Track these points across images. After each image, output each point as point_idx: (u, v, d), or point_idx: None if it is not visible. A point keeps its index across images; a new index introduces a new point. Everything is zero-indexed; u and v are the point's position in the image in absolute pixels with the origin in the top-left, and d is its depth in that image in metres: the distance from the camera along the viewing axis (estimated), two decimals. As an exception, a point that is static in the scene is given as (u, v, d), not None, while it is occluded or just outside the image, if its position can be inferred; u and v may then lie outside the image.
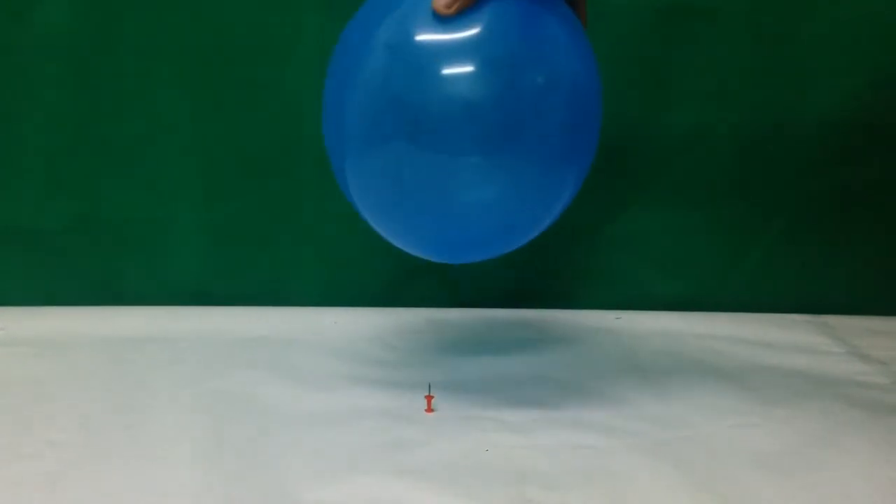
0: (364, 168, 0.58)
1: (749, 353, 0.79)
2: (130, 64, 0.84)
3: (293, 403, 0.68)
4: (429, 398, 0.67)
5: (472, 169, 0.56)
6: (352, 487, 0.56)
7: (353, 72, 0.57)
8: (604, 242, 0.89)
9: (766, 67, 0.83)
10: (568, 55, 0.58)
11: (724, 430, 0.64)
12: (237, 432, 0.63)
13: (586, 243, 0.89)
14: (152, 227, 0.88)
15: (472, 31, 0.55)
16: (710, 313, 0.88)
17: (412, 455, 0.60)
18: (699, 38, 0.82)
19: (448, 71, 0.54)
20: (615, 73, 0.83)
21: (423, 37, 0.55)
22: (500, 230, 0.60)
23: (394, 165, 0.56)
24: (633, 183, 0.88)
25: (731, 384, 0.72)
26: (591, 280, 0.90)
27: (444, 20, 0.54)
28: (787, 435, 0.63)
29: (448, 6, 0.54)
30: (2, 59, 0.83)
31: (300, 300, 0.90)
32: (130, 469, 0.58)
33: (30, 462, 0.59)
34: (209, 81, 0.84)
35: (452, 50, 0.55)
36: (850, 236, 0.88)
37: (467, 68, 0.54)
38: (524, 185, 0.57)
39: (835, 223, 0.88)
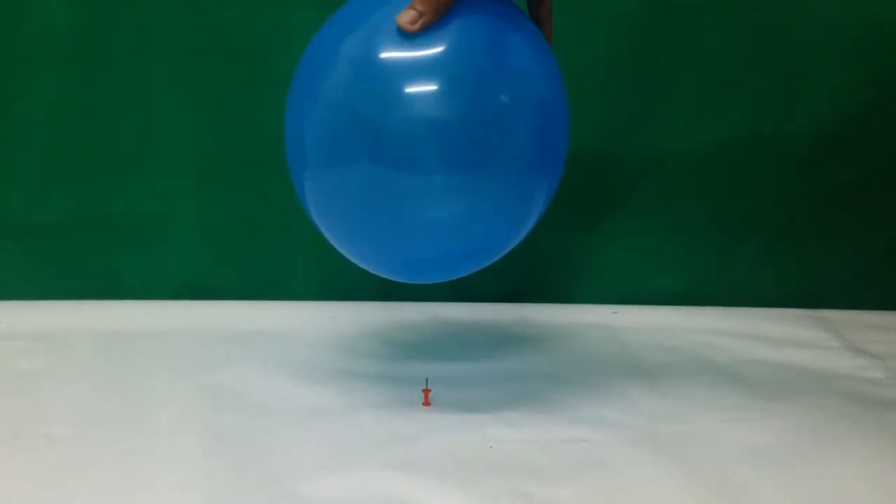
0: (325, 186, 0.57)
1: (745, 347, 0.79)
2: (129, 59, 0.83)
3: (291, 397, 0.68)
4: (426, 392, 0.67)
5: (437, 188, 0.55)
6: (349, 481, 0.56)
7: (315, 87, 0.56)
8: (600, 238, 0.89)
9: (761, 64, 0.83)
10: (533, 72, 0.57)
11: (720, 424, 0.64)
12: (235, 426, 0.63)
13: (583, 239, 0.89)
14: (151, 221, 0.88)
15: (437, 49, 0.54)
16: (707, 308, 0.88)
17: (410, 449, 0.60)
18: (693, 34, 0.82)
19: (412, 89, 0.53)
20: (611, 69, 0.84)
21: (387, 53, 0.54)
22: (466, 249, 0.59)
23: (356, 184, 0.55)
24: (629, 178, 0.88)
25: (727, 378, 0.73)
26: (587, 275, 0.91)
27: (408, 37, 0.54)
28: (782, 429, 0.64)
29: (412, 22, 0.53)
30: (1, 53, 0.83)
31: (298, 295, 0.90)
32: (129, 462, 0.58)
33: (28, 456, 0.59)
34: (207, 76, 0.84)
35: (417, 67, 0.54)
36: (847, 231, 0.88)
37: (432, 86, 0.53)
38: (491, 203, 0.56)
39: (832, 218, 0.88)
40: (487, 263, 0.62)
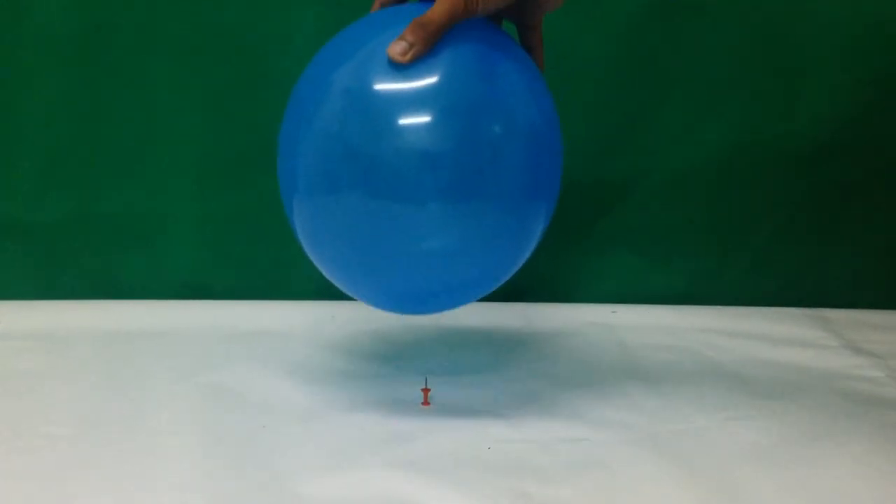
0: (317, 216, 0.57)
1: (745, 346, 0.79)
2: (129, 59, 0.83)
3: (291, 397, 0.68)
4: (426, 391, 0.67)
5: (431, 218, 0.55)
6: (349, 480, 0.56)
7: (308, 117, 0.56)
8: (600, 237, 0.89)
9: (761, 64, 0.83)
10: (525, 100, 0.57)
11: (720, 423, 0.64)
12: (235, 425, 0.63)
13: (582, 238, 0.89)
14: (150, 221, 0.88)
15: (429, 80, 0.54)
16: (706, 307, 0.88)
17: (409, 448, 0.60)
18: (693, 34, 0.83)
19: (405, 120, 0.53)
20: (610, 69, 0.84)
21: (379, 85, 0.54)
22: (464, 279, 0.59)
23: (349, 214, 0.55)
24: (628, 177, 0.88)
25: (726, 378, 0.73)
26: (587, 274, 0.91)
27: (400, 67, 0.54)
28: (781, 428, 0.64)
29: (403, 53, 0.53)
30: (0, 53, 0.83)
31: (298, 294, 0.90)
32: (128, 463, 0.58)
33: (28, 455, 0.59)
34: (207, 76, 0.84)
35: (409, 98, 0.54)
36: (846, 230, 0.88)
37: (424, 117, 0.53)
38: (487, 232, 0.56)
39: (831, 217, 0.88)
40: (487, 292, 0.62)
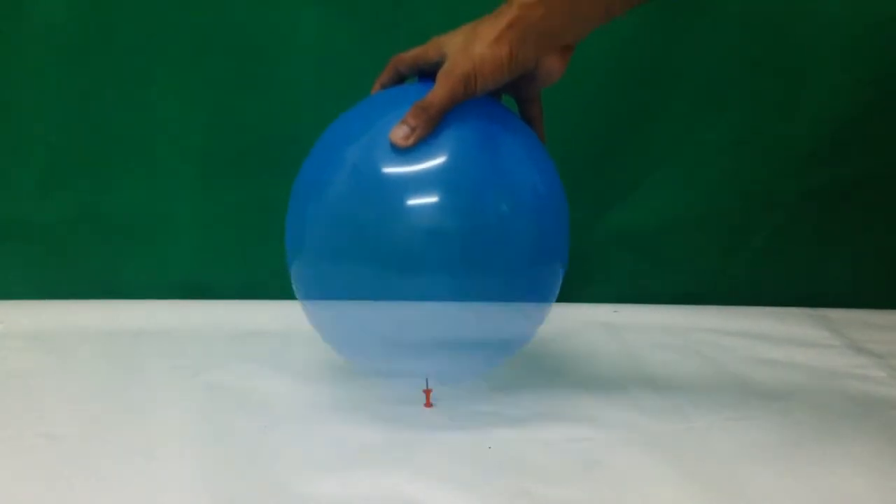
0: (323, 284, 0.58)
1: (746, 346, 0.79)
2: (129, 59, 0.83)
3: (291, 397, 0.68)
4: (427, 392, 0.67)
5: (437, 292, 0.55)
6: (350, 480, 0.56)
7: (319, 190, 0.57)
8: (601, 237, 0.89)
9: (762, 64, 0.83)
10: (529, 173, 0.57)
11: (721, 423, 0.64)
12: (236, 425, 0.63)
13: (584, 238, 0.89)
14: (151, 220, 0.88)
15: (433, 162, 0.54)
16: (708, 307, 0.88)
17: (410, 448, 0.60)
18: (696, 33, 0.82)
19: (411, 201, 0.54)
20: (612, 69, 0.84)
21: (385, 167, 0.55)
22: (475, 350, 0.60)
23: (355, 285, 0.56)
24: (630, 177, 0.88)
25: (728, 377, 0.73)
26: (588, 274, 0.90)
27: (403, 151, 0.54)
28: (783, 427, 0.63)
29: (406, 138, 0.54)
30: (1, 53, 0.83)
31: (299, 294, 0.90)
32: (129, 462, 0.58)
33: (28, 456, 0.59)
34: (207, 76, 0.84)
35: (413, 180, 0.54)
36: (848, 230, 0.88)
37: (430, 198, 0.54)
38: (495, 305, 0.57)
39: (833, 217, 0.88)
40: (511, 355, 0.63)
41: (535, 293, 0.60)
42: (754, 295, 0.90)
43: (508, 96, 0.63)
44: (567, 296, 0.90)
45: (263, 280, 0.90)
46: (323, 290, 0.59)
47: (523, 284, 0.58)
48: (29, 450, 0.60)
